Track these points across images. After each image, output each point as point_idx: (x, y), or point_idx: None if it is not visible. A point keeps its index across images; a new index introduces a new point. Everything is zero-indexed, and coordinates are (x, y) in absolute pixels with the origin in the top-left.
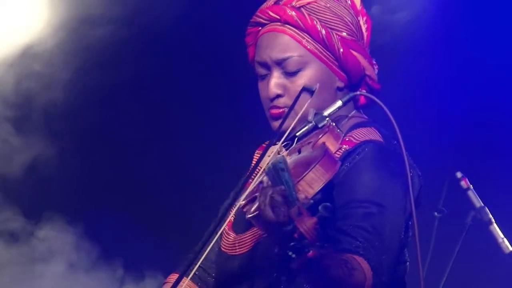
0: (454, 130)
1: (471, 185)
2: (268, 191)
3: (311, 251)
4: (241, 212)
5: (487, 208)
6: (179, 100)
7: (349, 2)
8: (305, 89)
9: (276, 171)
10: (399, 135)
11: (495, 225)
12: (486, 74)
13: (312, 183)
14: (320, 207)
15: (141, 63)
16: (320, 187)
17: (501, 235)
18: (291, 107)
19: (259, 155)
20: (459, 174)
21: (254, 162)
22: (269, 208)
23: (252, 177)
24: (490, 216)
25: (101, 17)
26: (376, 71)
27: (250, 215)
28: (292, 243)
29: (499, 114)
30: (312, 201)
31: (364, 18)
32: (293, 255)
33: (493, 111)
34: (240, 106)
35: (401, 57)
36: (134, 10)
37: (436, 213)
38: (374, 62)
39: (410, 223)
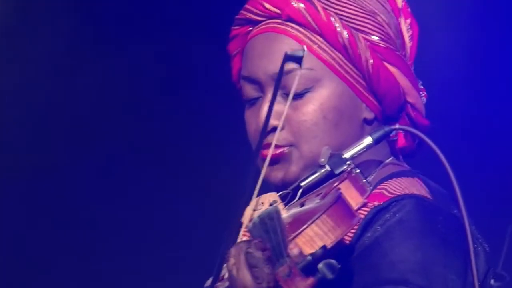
0: None
1: None
2: (243, 246)
3: None
4: None
5: None
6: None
7: None
8: (289, 57)
9: (263, 224)
10: (459, 193)
11: None
12: None
13: (314, 241)
14: (320, 265)
15: None
16: (327, 246)
17: None
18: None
19: None
20: None
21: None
22: (246, 269)
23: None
24: None
25: None
26: (424, 99)
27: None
28: None
29: None
30: (310, 257)
31: (408, 21)
32: None
33: None
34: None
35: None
36: None
37: (492, 281)
38: (421, 86)
39: None
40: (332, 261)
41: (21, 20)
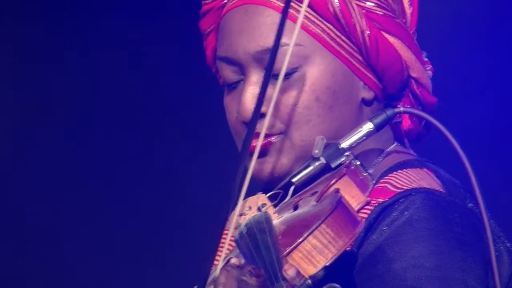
0: None
1: None
2: (235, 273)
3: None
4: None
5: None
6: None
7: None
8: None
9: (252, 237)
10: (475, 184)
11: None
12: None
13: (312, 256)
14: None
15: None
16: (327, 263)
17: None
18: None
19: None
20: None
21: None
22: None
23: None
24: None
25: None
26: (430, 73)
27: None
28: None
29: None
30: (310, 281)
31: None
32: None
33: None
34: None
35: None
36: None
37: None
38: (426, 58)
39: None
40: (336, 285)
41: None
